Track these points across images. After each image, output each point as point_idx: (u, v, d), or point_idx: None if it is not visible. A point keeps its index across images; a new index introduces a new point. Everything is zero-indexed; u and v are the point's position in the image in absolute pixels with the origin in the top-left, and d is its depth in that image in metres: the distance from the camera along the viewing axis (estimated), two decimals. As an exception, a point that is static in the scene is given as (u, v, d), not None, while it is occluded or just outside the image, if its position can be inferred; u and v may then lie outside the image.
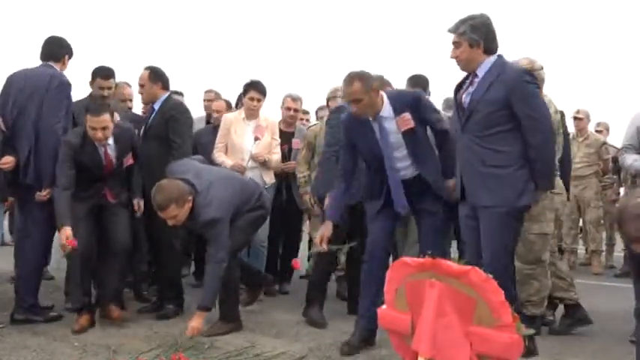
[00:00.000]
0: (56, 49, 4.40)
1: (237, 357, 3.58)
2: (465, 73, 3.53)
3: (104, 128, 4.08)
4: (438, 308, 2.92)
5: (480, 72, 3.42)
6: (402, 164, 3.78)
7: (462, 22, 3.44)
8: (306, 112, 6.57)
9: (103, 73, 4.76)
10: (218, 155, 5.13)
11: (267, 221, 5.15)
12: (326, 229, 3.84)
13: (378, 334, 3.81)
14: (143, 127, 4.66)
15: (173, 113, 4.57)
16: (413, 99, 3.78)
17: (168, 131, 4.54)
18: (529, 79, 3.38)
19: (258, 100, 5.17)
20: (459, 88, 3.57)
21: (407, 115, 3.70)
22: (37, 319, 4.20)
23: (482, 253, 3.41)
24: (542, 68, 4.23)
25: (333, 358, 3.61)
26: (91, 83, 4.82)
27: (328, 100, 5.40)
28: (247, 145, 5.05)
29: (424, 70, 4.94)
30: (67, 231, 3.93)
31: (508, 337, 2.80)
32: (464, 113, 3.46)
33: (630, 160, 4.21)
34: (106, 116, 4.09)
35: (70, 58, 4.50)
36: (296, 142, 5.50)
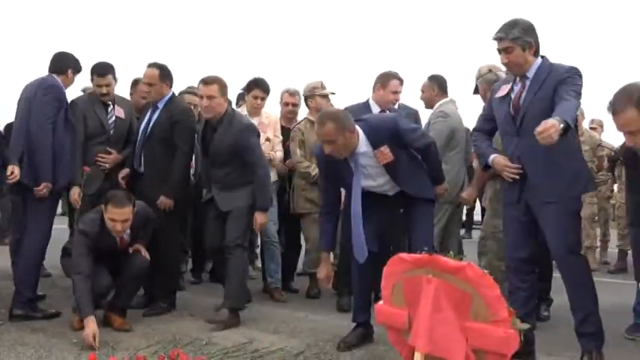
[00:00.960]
0: (60, 63, 4.51)
1: (235, 353, 3.60)
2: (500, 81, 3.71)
3: (124, 221, 3.98)
4: (434, 304, 2.95)
5: (530, 74, 3.51)
6: (383, 188, 3.84)
7: (511, 26, 3.48)
8: None
9: (99, 71, 4.71)
10: None
11: (276, 217, 5.24)
12: (326, 268, 4.01)
13: (375, 330, 3.84)
14: (144, 125, 4.65)
15: (180, 119, 4.55)
16: (390, 131, 3.71)
17: (174, 135, 4.54)
18: (578, 72, 3.43)
19: (262, 99, 5.20)
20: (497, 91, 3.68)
21: (385, 149, 3.67)
22: (36, 315, 4.22)
23: (551, 247, 3.47)
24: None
25: (331, 353, 3.63)
26: (91, 81, 4.81)
27: (307, 98, 5.40)
28: None
29: (419, 64, 4.99)
30: (92, 325, 3.72)
31: (504, 332, 2.84)
32: (517, 115, 3.50)
33: None
34: (129, 208, 3.97)
35: (75, 72, 4.58)
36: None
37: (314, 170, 5.09)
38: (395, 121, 3.85)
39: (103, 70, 4.70)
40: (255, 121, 4.98)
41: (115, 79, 4.77)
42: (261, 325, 4.26)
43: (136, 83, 5.31)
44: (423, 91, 5.32)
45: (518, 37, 3.46)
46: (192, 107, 5.05)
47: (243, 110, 5.24)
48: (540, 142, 3.02)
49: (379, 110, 4.99)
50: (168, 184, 4.49)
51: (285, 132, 5.46)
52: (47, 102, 4.30)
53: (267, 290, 5.34)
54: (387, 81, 4.99)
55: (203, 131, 4.51)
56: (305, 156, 5.22)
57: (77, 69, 4.57)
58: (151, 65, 4.65)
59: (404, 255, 3.22)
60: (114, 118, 4.77)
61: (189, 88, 5.65)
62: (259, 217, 4.32)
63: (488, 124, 3.79)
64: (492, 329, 2.85)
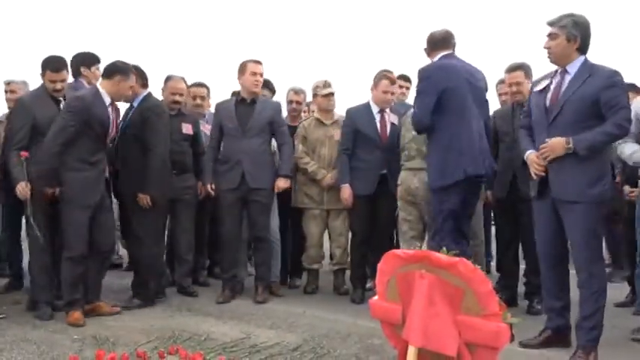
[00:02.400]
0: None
1: (233, 348, 3.66)
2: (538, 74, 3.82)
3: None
4: (427, 298, 3.01)
5: (571, 69, 3.58)
6: None
7: (565, 16, 3.57)
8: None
9: (54, 66, 4.45)
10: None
11: (277, 214, 5.32)
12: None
13: (370, 324, 3.90)
14: (122, 124, 4.69)
15: (150, 114, 4.57)
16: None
17: (145, 131, 4.58)
18: (620, 78, 3.52)
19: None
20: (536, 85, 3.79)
21: None
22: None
23: (571, 243, 3.61)
24: None
25: (327, 347, 3.69)
26: (42, 76, 4.51)
27: (313, 97, 5.52)
28: None
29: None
30: None
31: (495, 326, 2.90)
32: (554, 109, 3.56)
33: (629, 150, 4.04)
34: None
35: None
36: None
37: (312, 167, 5.19)
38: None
39: (57, 65, 4.47)
40: None
41: (68, 72, 4.59)
42: (258, 320, 4.33)
43: (167, 80, 5.29)
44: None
45: (565, 26, 3.54)
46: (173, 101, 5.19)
47: None
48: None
49: (378, 110, 5.10)
50: (145, 180, 4.50)
51: (292, 129, 5.44)
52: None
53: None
54: (378, 81, 5.10)
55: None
56: (307, 152, 5.30)
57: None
58: None
59: (398, 251, 3.29)
60: None
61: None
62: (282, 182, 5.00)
63: (528, 120, 3.85)
64: (484, 323, 2.91)
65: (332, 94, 5.29)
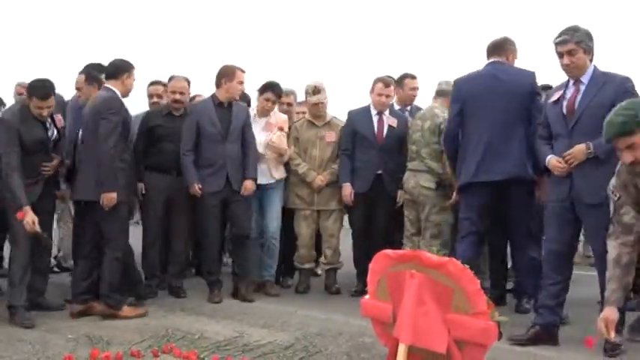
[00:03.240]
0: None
1: (226, 347, 3.71)
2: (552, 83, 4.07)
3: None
4: (417, 297, 3.07)
5: (585, 79, 3.76)
6: None
7: (575, 30, 3.73)
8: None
9: (41, 94, 4.24)
10: None
11: (280, 214, 5.35)
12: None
13: (361, 323, 3.96)
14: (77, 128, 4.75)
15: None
16: None
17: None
18: (632, 84, 3.72)
19: (274, 102, 5.26)
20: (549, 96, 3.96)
21: None
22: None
23: (592, 246, 3.87)
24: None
25: (319, 346, 3.75)
26: (28, 99, 4.32)
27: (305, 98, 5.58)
28: (257, 140, 5.14)
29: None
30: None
31: (483, 324, 2.97)
32: (572, 117, 3.73)
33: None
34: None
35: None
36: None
37: (302, 169, 5.27)
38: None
39: (44, 92, 4.26)
40: (262, 121, 5.24)
41: (54, 96, 4.38)
42: (251, 319, 4.38)
43: (170, 79, 5.34)
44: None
45: (582, 41, 3.71)
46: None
47: (252, 109, 5.37)
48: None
49: (376, 112, 5.28)
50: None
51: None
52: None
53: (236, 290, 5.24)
54: (373, 85, 5.30)
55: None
56: (299, 153, 5.37)
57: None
58: (81, 72, 5.00)
59: (388, 251, 3.34)
60: (54, 131, 4.50)
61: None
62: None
63: (545, 131, 4.00)
64: (473, 321, 2.98)
65: (320, 103, 5.33)
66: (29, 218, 4.06)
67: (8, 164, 4.14)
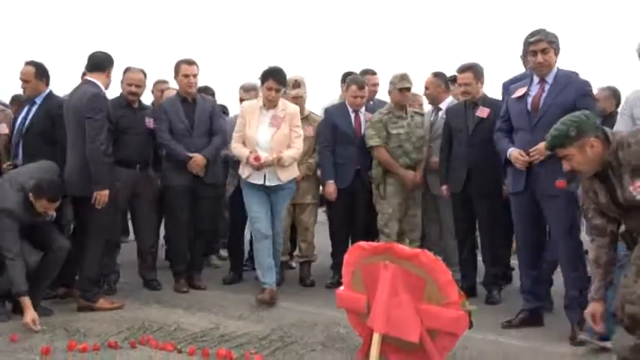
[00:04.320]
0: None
1: (203, 338, 3.75)
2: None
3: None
4: (391, 288, 3.17)
5: (549, 78, 3.96)
6: None
7: (547, 32, 3.93)
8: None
9: (50, 195, 4.12)
10: (235, 146, 4.88)
11: (285, 214, 5.23)
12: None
13: (336, 314, 4.04)
14: (20, 120, 4.74)
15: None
16: None
17: (54, 130, 4.61)
18: (591, 88, 4.00)
19: (277, 91, 4.75)
20: (512, 92, 4.13)
21: None
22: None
23: (553, 235, 4.04)
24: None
25: (295, 336, 3.81)
26: (34, 200, 4.13)
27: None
28: (262, 136, 4.76)
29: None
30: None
31: (455, 313, 3.08)
32: (536, 114, 3.92)
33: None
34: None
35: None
36: None
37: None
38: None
39: (55, 195, 4.16)
40: (269, 113, 4.81)
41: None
42: (227, 311, 4.43)
43: (125, 71, 5.20)
44: (427, 88, 5.52)
45: (553, 41, 3.93)
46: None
47: (259, 100, 4.89)
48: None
49: (352, 110, 5.38)
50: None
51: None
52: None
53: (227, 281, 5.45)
54: (347, 86, 5.38)
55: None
56: None
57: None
58: (27, 63, 4.81)
59: (363, 243, 3.43)
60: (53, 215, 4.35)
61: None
62: None
63: (506, 124, 4.20)
64: (444, 311, 3.09)
65: (299, 97, 5.35)
66: (29, 318, 3.88)
67: (10, 250, 4.01)
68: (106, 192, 4.30)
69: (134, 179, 5.01)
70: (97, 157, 4.27)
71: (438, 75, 5.46)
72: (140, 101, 5.25)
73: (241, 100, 5.58)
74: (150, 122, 5.13)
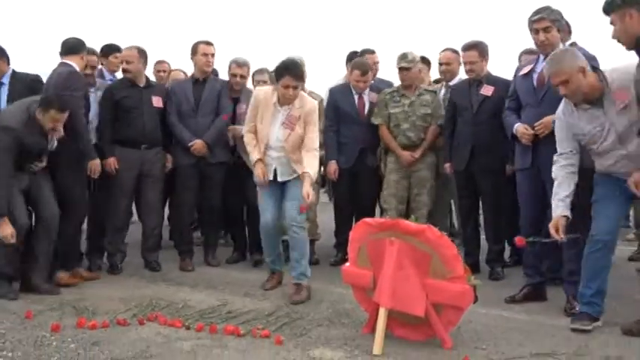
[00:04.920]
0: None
1: (210, 314, 3.80)
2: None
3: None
4: (397, 263, 3.21)
5: None
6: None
7: (549, 9, 3.96)
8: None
9: (60, 105, 4.19)
10: (247, 140, 4.44)
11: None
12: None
13: (341, 290, 4.09)
14: None
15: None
16: None
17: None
18: (597, 62, 3.84)
19: (295, 88, 4.19)
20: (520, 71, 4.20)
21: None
22: None
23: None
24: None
25: (301, 313, 3.86)
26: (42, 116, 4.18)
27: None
28: (274, 136, 4.29)
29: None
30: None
31: (460, 287, 3.12)
32: (541, 89, 3.97)
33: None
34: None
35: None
36: (241, 108, 5.25)
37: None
38: None
39: (64, 105, 4.24)
40: (284, 111, 4.28)
41: None
42: (233, 289, 4.47)
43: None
44: (448, 64, 5.51)
45: (556, 20, 3.94)
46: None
47: (274, 94, 4.30)
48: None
49: (356, 92, 5.38)
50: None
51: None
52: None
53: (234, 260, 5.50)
54: (351, 70, 5.39)
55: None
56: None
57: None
58: None
59: (368, 220, 3.47)
60: (54, 143, 4.41)
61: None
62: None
63: (514, 103, 4.28)
64: (450, 285, 3.13)
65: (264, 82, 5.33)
66: (8, 232, 3.96)
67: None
68: (97, 161, 4.51)
69: (141, 159, 5.02)
70: (82, 130, 4.41)
71: (457, 51, 5.39)
72: (147, 79, 5.25)
73: (234, 75, 5.33)
74: (158, 101, 5.13)
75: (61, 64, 4.57)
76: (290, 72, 4.15)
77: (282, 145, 4.28)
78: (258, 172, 4.31)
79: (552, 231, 3.52)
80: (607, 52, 4.06)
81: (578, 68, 3.36)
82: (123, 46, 5.29)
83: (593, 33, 4.34)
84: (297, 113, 4.26)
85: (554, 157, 3.68)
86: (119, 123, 4.98)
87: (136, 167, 5.01)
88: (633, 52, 3.22)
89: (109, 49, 5.57)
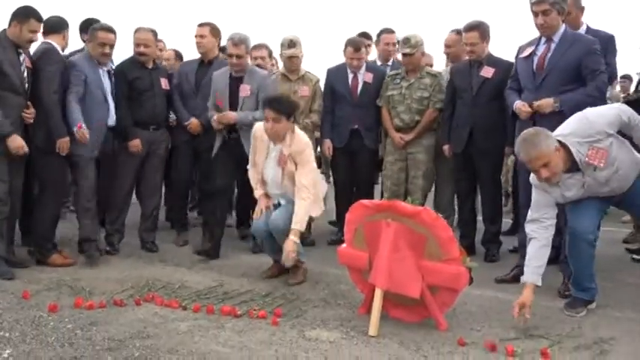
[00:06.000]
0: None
1: (207, 295, 3.82)
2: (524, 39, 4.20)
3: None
4: (393, 245, 3.22)
5: (556, 37, 3.98)
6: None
7: None
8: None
9: (39, 15, 4.31)
10: (250, 174, 4.39)
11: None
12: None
13: (337, 271, 4.11)
14: None
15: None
16: None
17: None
18: (598, 46, 3.96)
19: (275, 121, 4.02)
20: (521, 51, 4.16)
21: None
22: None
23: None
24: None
25: (297, 294, 3.89)
26: (21, 27, 4.24)
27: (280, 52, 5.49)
28: (270, 173, 4.21)
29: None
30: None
31: (455, 269, 3.14)
32: (541, 73, 3.94)
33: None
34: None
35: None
36: (244, 89, 4.90)
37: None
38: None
39: (39, 16, 4.33)
40: (277, 147, 4.17)
41: None
42: (229, 270, 4.49)
43: (135, 32, 5.13)
44: (451, 46, 5.49)
45: (556, 2, 3.91)
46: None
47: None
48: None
49: (351, 71, 5.39)
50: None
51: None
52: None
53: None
54: (345, 47, 5.39)
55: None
56: None
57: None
58: None
59: (365, 201, 3.48)
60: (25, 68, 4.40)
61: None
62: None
63: (516, 84, 4.27)
64: (445, 267, 3.15)
65: (295, 56, 5.35)
66: (19, 144, 4.13)
67: None
68: (66, 139, 4.36)
69: (149, 140, 5.04)
70: (52, 106, 4.36)
71: (460, 32, 5.29)
72: (155, 61, 5.24)
73: (230, 56, 4.89)
74: (166, 83, 5.17)
75: (42, 43, 4.57)
76: (270, 104, 4.03)
77: (279, 183, 4.18)
78: (261, 206, 4.25)
79: (517, 310, 3.28)
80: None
81: (554, 147, 3.20)
82: (132, 27, 5.16)
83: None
84: (287, 152, 4.10)
85: (534, 216, 3.48)
86: (131, 103, 4.99)
87: (145, 148, 5.02)
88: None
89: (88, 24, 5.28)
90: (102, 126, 4.67)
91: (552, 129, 3.82)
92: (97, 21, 5.13)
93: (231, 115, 4.84)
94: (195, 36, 5.33)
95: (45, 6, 4.53)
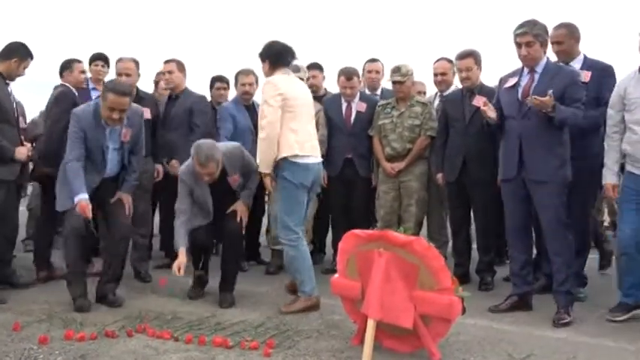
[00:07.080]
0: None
1: (199, 326, 3.79)
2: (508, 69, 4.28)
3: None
4: (385, 275, 3.21)
5: (539, 68, 4.05)
6: None
7: (533, 24, 3.99)
8: None
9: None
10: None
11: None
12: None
13: (331, 301, 4.08)
14: None
15: None
16: None
17: None
18: (580, 78, 4.12)
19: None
20: (504, 82, 4.23)
21: None
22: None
23: (541, 222, 4.05)
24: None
25: (290, 324, 3.85)
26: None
27: None
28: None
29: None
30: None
31: (448, 299, 3.12)
32: (526, 103, 3.96)
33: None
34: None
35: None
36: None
37: None
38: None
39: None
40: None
41: None
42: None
43: (117, 62, 5.30)
44: (445, 73, 5.49)
45: (539, 34, 3.98)
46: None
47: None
48: (533, 103, 3.83)
49: (344, 100, 5.48)
50: None
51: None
52: None
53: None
54: (338, 77, 5.48)
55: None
56: None
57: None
58: None
59: (357, 231, 3.47)
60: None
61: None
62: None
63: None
64: (437, 297, 3.13)
65: (301, 79, 5.36)
66: (23, 152, 4.45)
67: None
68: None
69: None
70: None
71: (452, 60, 5.39)
72: (138, 90, 5.27)
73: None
74: (147, 112, 5.10)
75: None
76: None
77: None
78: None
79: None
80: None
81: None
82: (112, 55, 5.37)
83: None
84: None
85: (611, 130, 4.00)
86: None
87: None
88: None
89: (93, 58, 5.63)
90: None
91: (541, 158, 3.88)
92: (77, 61, 5.31)
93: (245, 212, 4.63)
94: (163, 72, 5.49)
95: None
